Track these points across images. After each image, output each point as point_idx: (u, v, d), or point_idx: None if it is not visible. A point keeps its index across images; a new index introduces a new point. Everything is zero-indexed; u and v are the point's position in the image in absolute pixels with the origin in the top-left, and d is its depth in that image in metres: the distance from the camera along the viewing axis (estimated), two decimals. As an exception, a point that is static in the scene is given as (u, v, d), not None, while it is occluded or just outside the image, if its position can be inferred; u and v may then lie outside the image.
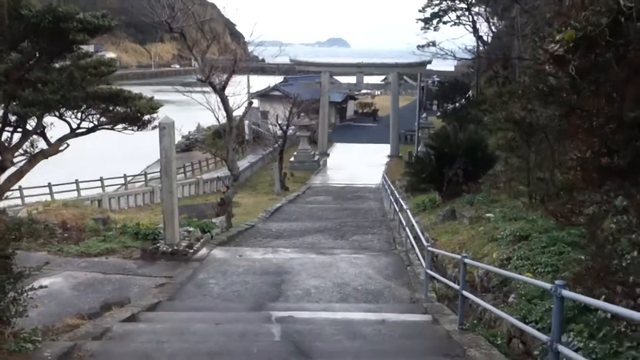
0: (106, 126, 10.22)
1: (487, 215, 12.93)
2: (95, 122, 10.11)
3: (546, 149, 11.97)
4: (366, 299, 9.34)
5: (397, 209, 15.53)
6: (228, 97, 15.91)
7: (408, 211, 12.27)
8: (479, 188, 16.30)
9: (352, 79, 45.27)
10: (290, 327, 7.02)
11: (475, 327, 6.65)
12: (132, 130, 10.30)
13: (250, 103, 17.72)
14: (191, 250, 12.14)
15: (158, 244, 12.26)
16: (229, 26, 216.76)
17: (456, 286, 7.26)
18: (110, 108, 9.72)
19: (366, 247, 13.39)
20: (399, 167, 37.56)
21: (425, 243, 9.27)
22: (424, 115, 40.54)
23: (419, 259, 11.29)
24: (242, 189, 33.50)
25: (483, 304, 6.38)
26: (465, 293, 6.69)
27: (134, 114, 9.58)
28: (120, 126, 10.35)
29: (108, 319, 7.49)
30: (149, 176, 36.93)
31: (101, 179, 31.48)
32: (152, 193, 29.81)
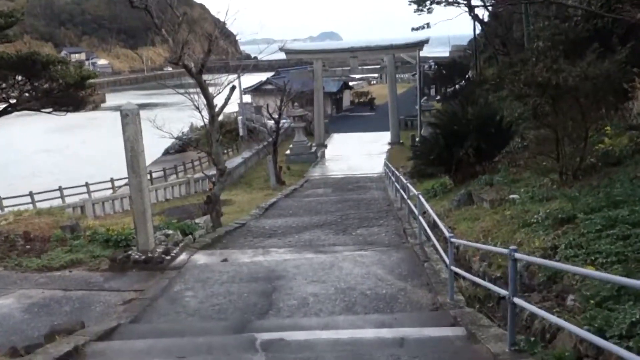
0: (29, 106, 8.39)
1: (511, 196, 11.10)
2: (13, 101, 8.26)
3: (577, 115, 10.13)
4: (377, 307, 7.52)
5: (405, 196, 13.70)
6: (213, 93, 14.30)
7: (420, 197, 10.40)
8: (495, 167, 14.47)
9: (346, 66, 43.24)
10: (279, 357, 5.21)
11: (534, 347, 4.81)
12: (66, 111, 8.45)
13: (233, 87, 15.82)
14: (168, 257, 10.36)
15: (130, 252, 10.48)
16: (219, 25, 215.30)
17: (502, 291, 5.43)
18: (28, 80, 7.86)
19: (373, 242, 11.54)
20: (401, 153, 35.85)
21: (447, 233, 7.43)
22: (424, 98, 38.62)
23: (437, 253, 9.49)
24: (236, 186, 31.80)
25: (555, 320, 4.49)
26: (518, 301, 4.85)
27: (60, 87, 7.73)
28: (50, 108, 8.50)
29: (40, 357, 5.71)
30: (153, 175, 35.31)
31: (86, 184, 29.71)
32: (140, 195, 27.91)
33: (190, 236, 12.01)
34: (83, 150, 57.87)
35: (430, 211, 9.33)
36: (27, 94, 8.37)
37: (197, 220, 13.34)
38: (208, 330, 6.87)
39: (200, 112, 16.10)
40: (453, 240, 7.29)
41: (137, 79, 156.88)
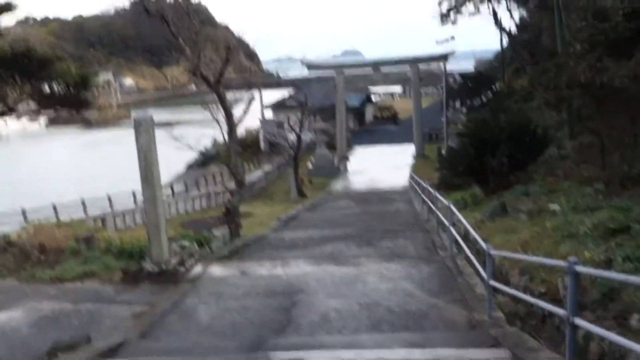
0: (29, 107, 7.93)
1: (551, 207, 10.31)
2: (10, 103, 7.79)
3: (624, 119, 9.33)
4: (406, 325, 6.79)
5: (433, 207, 12.95)
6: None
7: (451, 206, 9.65)
8: (530, 177, 13.64)
9: (369, 73, 42.45)
10: (296, 381, 4.53)
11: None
12: (68, 112, 7.94)
13: (252, 98, 15.32)
14: (182, 269, 9.78)
15: (143, 264, 9.91)
16: (243, 46, 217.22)
17: (559, 310, 4.66)
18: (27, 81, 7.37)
19: (400, 254, 10.79)
20: (426, 166, 34.97)
21: (484, 245, 6.69)
22: (450, 110, 37.75)
23: (470, 266, 8.73)
24: (257, 199, 31.25)
25: (630, 345, 3.70)
26: (581, 322, 4.08)
27: (60, 89, 7.23)
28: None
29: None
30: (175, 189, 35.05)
31: (109, 197, 29.38)
32: (161, 208, 27.54)
33: (207, 248, 11.42)
34: (108, 165, 57.99)
35: (464, 222, 8.58)
36: (26, 96, 7.90)
37: (214, 232, 12.74)
38: (220, 349, 6.23)
39: (219, 125, 15.66)
40: (493, 252, 6.54)
41: (161, 97, 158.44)
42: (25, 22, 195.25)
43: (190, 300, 8.34)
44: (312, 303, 7.81)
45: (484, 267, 7.33)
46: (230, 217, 14.68)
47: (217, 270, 9.99)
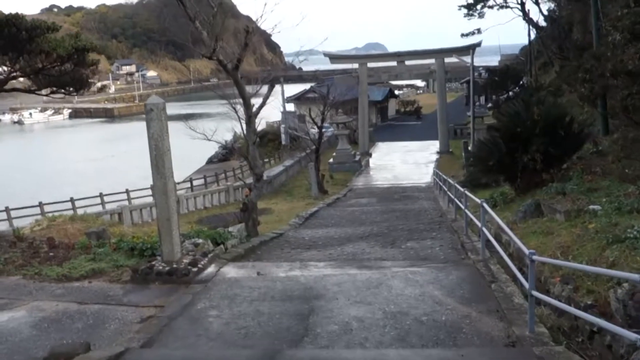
0: (22, 85, 7.36)
1: (592, 207, 9.49)
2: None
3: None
4: (437, 338, 6.10)
5: (462, 205, 12.19)
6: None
7: (484, 205, 8.89)
8: (565, 175, 12.78)
9: (392, 66, 41.50)
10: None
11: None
12: (66, 92, 7.36)
13: (272, 86, 14.68)
14: (194, 269, 9.17)
15: (154, 262, 9.36)
16: (265, 37, 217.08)
17: (631, 334, 3.92)
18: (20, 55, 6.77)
19: (426, 257, 10.06)
20: (451, 162, 34.15)
21: (525, 249, 5.96)
22: (477, 104, 36.69)
23: (505, 272, 8.01)
24: (276, 195, 30.73)
25: None
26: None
27: (53, 61, 6.62)
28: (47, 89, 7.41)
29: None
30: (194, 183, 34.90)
31: (126, 191, 29.16)
32: (178, 202, 27.14)
33: (221, 246, 10.82)
34: (128, 158, 58.11)
35: (500, 222, 7.82)
36: (18, 72, 7.33)
37: (230, 229, 12.15)
38: (229, 361, 5.60)
39: (237, 114, 15.09)
40: (535, 258, 5.81)
41: (184, 90, 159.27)
42: (50, 10, 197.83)
43: (202, 303, 7.75)
44: (332, 310, 7.17)
45: (521, 273, 6.64)
46: (248, 213, 14.08)
47: (231, 270, 9.38)
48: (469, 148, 30.25)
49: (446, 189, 17.52)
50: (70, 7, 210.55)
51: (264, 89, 15.44)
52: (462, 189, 12.31)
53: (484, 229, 8.84)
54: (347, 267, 9.35)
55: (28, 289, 8.76)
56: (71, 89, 7.56)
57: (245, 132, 14.27)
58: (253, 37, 13.41)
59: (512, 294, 7.12)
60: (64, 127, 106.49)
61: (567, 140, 13.12)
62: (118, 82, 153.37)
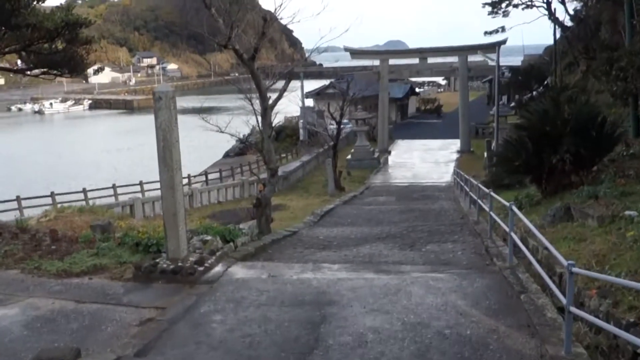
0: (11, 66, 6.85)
1: (627, 213, 8.80)
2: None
3: None
4: (461, 355, 5.49)
5: (486, 207, 11.53)
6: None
7: (513, 207, 8.21)
8: (596, 178, 12.06)
9: (414, 63, 40.68)
10: None
11: None
12: (60, 74, 6.82)
13: (290, 78, 14.13)
14: (200, 268, 8.65)
15: (158, 260, 8.87)
16: (286, 32, 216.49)
17: None
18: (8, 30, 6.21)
19: (448, 262, 9.42)
20: (472, 162, 33.36)
21: (563, 260, 5.32)
22: (500, 103, 35.78)
23: (536, 281, 7.36)
24: (292, 191, 30.21)
25: None
26: None
27: (42, 37, 6.06)
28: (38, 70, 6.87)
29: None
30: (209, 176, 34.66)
31: (140, 183, 28.83)
32: (192, 196, 26.83)
33: (231, 244, 10.27)
34: (145, 150, 58.10)
35: (533, 229, 7.15)
36: (5, 48, 6.81)
37: (241, 226, 11.61)
38: (229, 377, 5.05)
39: (253, 107, 14.57)
40: (575, 270, 5.17)
41: (204, 83, 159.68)
42: (73, 1, 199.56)
43: (206, 306, 7.23)
44: (346, 318, 6.59)
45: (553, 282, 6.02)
46: (261, 209, 13.53)
47: (239, 270, 8.84)
48: (493, 147, 29.44)
49: (468, 189, 16.83)
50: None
51: (281, 83, 14.91)
52: (486, 190, 11.63)
53: (513, 234, 8.18)
54: (363, 270, 8.76)
55: (25, 284, 8.35)
56: (65, 70, 6.98)
57: (260, 125, 13.71)
58: (271, 26, 12.84)
59: (543, 307, 6.47)
60: (83, 117, 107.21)
61: (598, 141, 12.38)
62: (139, 75, 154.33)
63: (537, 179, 13.50)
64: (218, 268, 8.85)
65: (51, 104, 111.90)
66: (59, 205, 21.84)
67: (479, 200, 13.09)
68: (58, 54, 6.84)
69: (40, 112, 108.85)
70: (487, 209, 11.29)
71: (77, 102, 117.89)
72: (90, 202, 24.32)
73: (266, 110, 13.10)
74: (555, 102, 13.26)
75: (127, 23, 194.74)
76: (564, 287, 6.90)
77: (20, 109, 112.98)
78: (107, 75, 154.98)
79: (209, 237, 10.15)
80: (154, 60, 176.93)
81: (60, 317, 7.01)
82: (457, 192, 22.22)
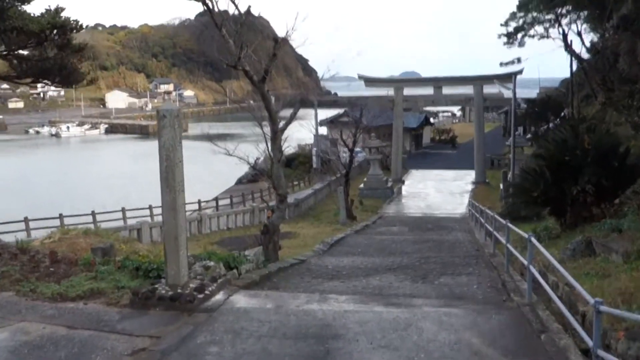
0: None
1: (654, 248, 8.27)
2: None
3: None
4: (477, 401, 4.97)
5: (502, 240, 11.02)
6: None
7: (532, 239, 7.70)
8: (618, 210, 11.51)
9: (428, 92, 40.45)
10: None
11: None
12: (50, 83, 6.50)
13: (301, 103, 13.84)
14: (200, 295, 8.22)
15: (157, 285, 8.46)
16: (302, 61, 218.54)
17: None
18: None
19: (462, 296, 8.90)
20: (487, 193, 32.78)
21: (589, 298, 4.83)
22: (518, 132, 35.32)
23: (557, 319, 6.83)
24: (303, 219, 29.81)
25: None
26: None
27: (28, 40, 5.74)
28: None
29: None
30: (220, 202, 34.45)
31: (149, 207, 28.58)
32: (201, 222, 26.47)
33: (234, 271, 9.85)
34: (156, 175, 58.31)
35: (556, 264, 6.64)
36: None
37: (246, 252, 11.18)
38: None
39: (262, 130, 14.27)
40: (603, 309, 4.67)
41: (219, 110, 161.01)
42: (94, 28, 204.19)
43: (202, 337, 6.78)
44: (351, 354, 6.11)
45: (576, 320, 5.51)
46: (268, 236, 13.13)
47: (241, 299, 8.41)
48: (509, 178, 28.88)
49: (483, 221, 16.31)
50: (114, 26, 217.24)
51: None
52: (503, 221, 11.13)
53: (532, 268, 7.66)
54: (372, 302, 8.27)
55: (18, 307, 8.00)
56: (56, 78, 6.68)
57: (270, 149, 13.39)
58: (282, 48, 12.61)
59: (566, 349, 5.94)
60: (99, 141, 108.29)
61: (621, 171, 11.87)
62: (155, 100, 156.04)
63: (556, 211, 12.97)
64: (219, 296, 8.43)
65: (68, 127, 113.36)
66: (68, 227, 21.66)
67: (495, 232, 12.58)
68: (47, 60, 6.55)
69: (57, 135, 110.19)
70: (503, 241, 10.78)
71: (94, 126, 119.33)
72: (99, 224, 24.14)
73: (276, 134, 12.79)
74: (575, 131, 12.80)
75: (146, 50, 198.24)
76: (588, 326, 6.40)
77: (37, 132, 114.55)
78: (124, 101, 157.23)
79: (211, 263, 9.73)
80: (170, 87, 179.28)
81: (49, 344, 6.65)
82: (472, 224, 21.69)
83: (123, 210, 27.74)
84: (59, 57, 6.73)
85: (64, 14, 6.84)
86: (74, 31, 6.81)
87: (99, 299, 8.48)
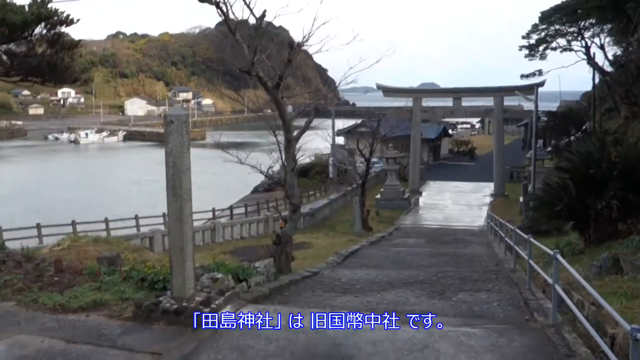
0: None
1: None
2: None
3: None
4: None
5: (524, 255, 10.52)
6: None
7: (558, 256, 7.22)
8: (645, 226, 10.97)
9: (447, 103, 40.01)
10: None
11: None
12: (41, 81, 6.18)
13: (317, 110, 13.50)
14: (206, 309, 7.83)
15: (161, 298, 8.10)
16: (320, 71, 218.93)
17: None
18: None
19: (482, 314, 8.42)
20: (506, 206, 32.12)
21: (626, 325, 4.37)
22: (539, 145, 34.62)
23: (585, 343, 6.34)
24: (318, 229, 29.41)
25: None
26: None
27: (10, 34, 5.43)
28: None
29: None
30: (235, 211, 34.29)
31: (163, 215, 28.35)
32: (214, 230, 26.18)
33: (244, 283, 9.47)
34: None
35: (584, 284, 6.15)
36: None
37: (257, 264, 10.80)
38: None
39: (276, 137, 13.97)
40: (642, 337, 4.21)
41: (237, 119, 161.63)
42: (115, 36, 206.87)
43: (206, 354, 6.45)
44: (362, 378, 5.69)
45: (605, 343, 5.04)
46: (281, 246, 12.76)
47: (249, 314, 8.00)
48: (529, 191, 28.25)
49: (503, 234, 15.79)
50: (135, 34, 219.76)
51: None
52: (525, 236, 10.64)
53: (558, 287, 7.18)
54: (386, 320, 7.82)
55: (17, 318, 7.76)
56: (47, 77, 6.38)
57: (284, 158, 13.04)
58: (298, 54, 12.29)
59: (596, 377, 5.46)
60: (116, 148, 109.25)
61: (649, 186, 11.34)
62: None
63: (580, 226, 12.45)
64: (225, 310, 8.03)
65: (87, 134, 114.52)
66: (80, 234, 21.47)
67: (516, 247, 12.07)
68: (35, 57, 6.26)
69: (75, 142, 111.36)
70: (525, 256, 10.29)
71: (112, 133, 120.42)
72: (112, 232, 23.96)
73: (290, 142, 12.44)
74: (601, 144, 12.28)
75: (165, 58, 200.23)
76: (617, 350, 5.91)
77: (57, 138, 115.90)
78: (142, 108, 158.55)
79: (219, 275, 9.36)
80: (189, 95, 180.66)
81: (45, 359, 6.38)
82: (491, 237, 21.14)
83: (136, 217, 27.57)
84: (48, 54, 6.43)
85: (51, 6, 6.55)
86: (64, 25, 6.49)
87: (101, 310, 8.17)
